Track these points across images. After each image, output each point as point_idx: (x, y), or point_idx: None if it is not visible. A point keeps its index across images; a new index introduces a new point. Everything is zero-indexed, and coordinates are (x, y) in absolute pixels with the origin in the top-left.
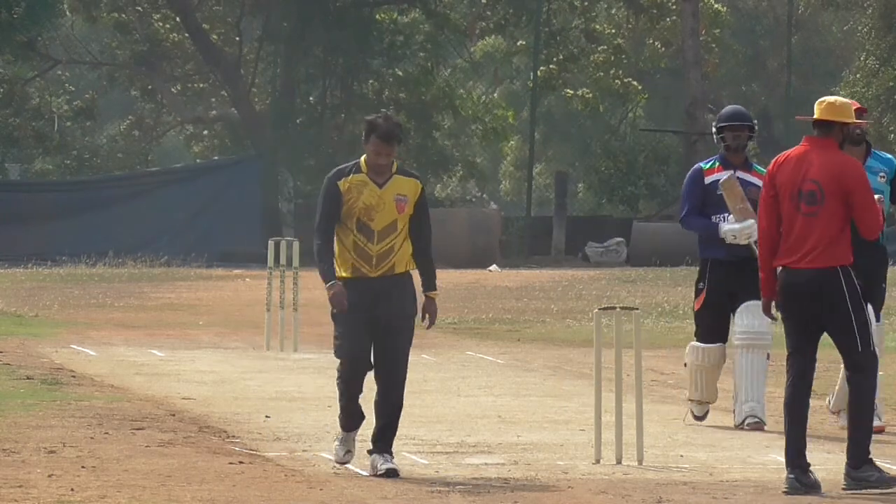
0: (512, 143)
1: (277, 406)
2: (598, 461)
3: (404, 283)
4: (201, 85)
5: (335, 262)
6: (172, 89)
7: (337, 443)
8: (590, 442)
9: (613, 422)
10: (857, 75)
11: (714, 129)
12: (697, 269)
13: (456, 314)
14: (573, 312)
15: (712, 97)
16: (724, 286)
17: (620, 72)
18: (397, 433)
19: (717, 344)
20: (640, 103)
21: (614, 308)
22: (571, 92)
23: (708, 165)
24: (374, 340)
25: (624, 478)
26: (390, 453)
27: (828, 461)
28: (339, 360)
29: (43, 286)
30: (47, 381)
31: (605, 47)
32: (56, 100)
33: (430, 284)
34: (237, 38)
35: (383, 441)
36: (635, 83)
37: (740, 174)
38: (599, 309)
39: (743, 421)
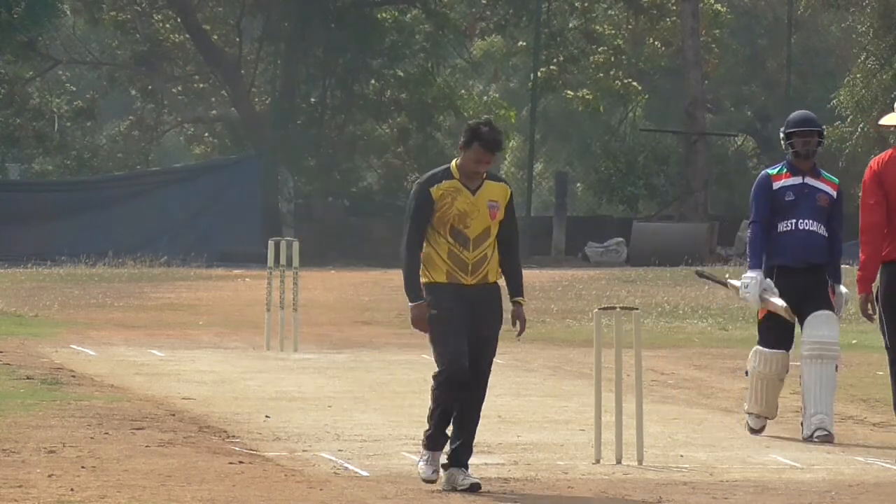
0: (512, 143)
1: (277, 406)
2: (598, 461)
3: (496, 293)
4: (201, 85)
5: (427, 267)
6: (173, 89)
7: (422, 463)
8: (590, 442)
9: (613, 422)
10: (857, 75)
11: (782, 135)
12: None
13: None
14: (573, 312)
15: (712, 97)
16: (791, 293)
17: (620, 72)
18: (397, 433)
19: (782, 351)
20: (640, 103)
21: (614, 308)
22: (572, 93)
23: (775, 171)
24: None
25: (624, 478)
26: (467, 467)
27: (827, 461)
28: (439, 370)
29: (43, 286)
30: (47, 381)
31: (605, 48)
32: (56, 100)
33: (519, 290)
34: (237, 39)
35: (465, 454)
36: (635, 83)
37: (809, 181)
38: (599, 309)
39: (812, 433)
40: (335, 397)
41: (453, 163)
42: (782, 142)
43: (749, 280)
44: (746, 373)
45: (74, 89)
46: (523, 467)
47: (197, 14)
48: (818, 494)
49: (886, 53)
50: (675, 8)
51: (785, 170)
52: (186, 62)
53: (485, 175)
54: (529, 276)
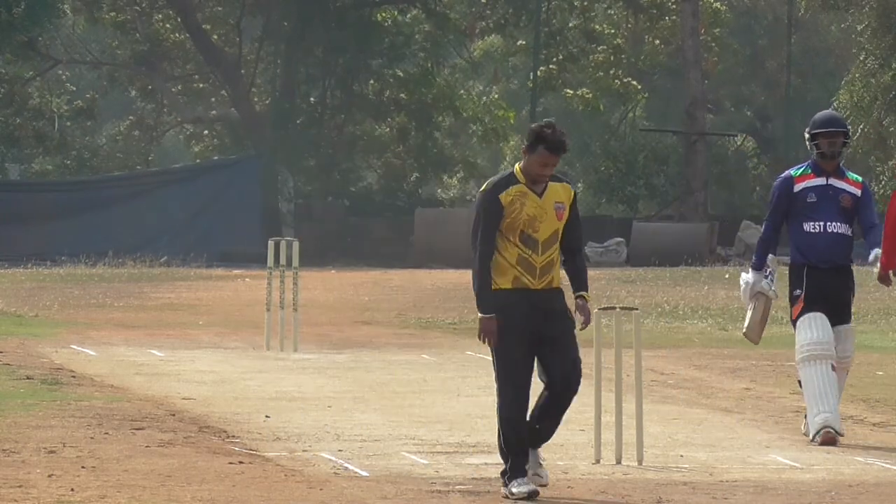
0: (512, 143)
1: (277, 406)
2: (598, 461)
3: (561, 295)
4: (201, 85)
5: (493, 273)
6: (172, 89)
7: (515, 488)
8: (590, 442)
9: (613, 422)
10: (856, 75)
11: (807, 136)
12: (788, 275)
13: (456, 314)
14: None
15: (712, 97)
16: (821, 291)
17: (620, 71)
18: (397, 433)
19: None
20: (640, 103)
21: (614, 308)
22: (571, 92)
23: (799, 172)
24: (540, 354)
25: (624, 478)
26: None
27: (827, 461)
28: (501, 407)
29: (43, 286)
30: (47, 381)
31: (605, 47)
32: (56, 100)
33: (583, 285)
34: (237, 39)
35: (541, 438)
36: (635, 83)
37: (833, 182)
38: (599, 309)
39: (817, 433)
40: (335, 397)
41: (516, 167)
42: (807, 142)
43: (742, 283)
44: (800, 382)
45: (74, 89)
46: None
47: (197, 14)
48: (818, 494)
49: (885, 53)
50: (674, 7)
51: (809, 170)
52: (186, 62)
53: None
54: None
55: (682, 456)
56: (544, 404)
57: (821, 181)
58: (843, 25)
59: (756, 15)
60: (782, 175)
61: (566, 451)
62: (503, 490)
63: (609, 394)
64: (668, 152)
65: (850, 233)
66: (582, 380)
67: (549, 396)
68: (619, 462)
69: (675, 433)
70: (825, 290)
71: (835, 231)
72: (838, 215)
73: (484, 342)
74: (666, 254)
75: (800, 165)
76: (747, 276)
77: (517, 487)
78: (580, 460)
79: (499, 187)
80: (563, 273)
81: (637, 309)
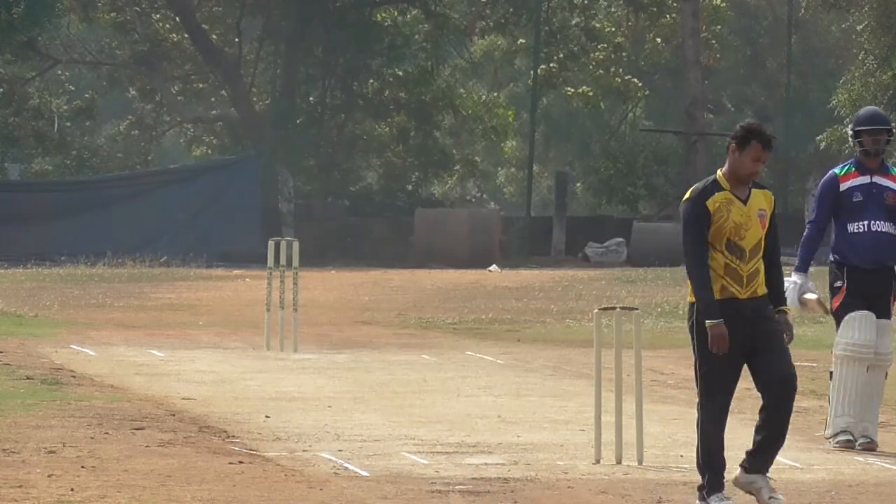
0: (513, 143)
1: (277, 406)
2: (598, 461)
3: (767, 303)
4: (201, 85)
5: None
6: (172, 89)
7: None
8: (590, 442)
9: (613, 422)
10: (856, 74)
11: (850, 133)
12: (829, 270)
13: (456, 314)
14: (573, 313)
15: (712, 97)
16: (863, 287)
17: (620, 69)
18: (397, 433)
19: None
20: (640, 103)
21: (614, 308)
22: (572, 90)
23: (843, 171)
24: (753, 363)
25: (624, 478)
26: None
27: (827, 461)
28: (703, 401)
29: (43, 286)
30: (47, 381)
31: (606, 45)
32: (56, 100)
33: (782, 299)
34: (237, 39)
35: (767, 457)
36: (635, 80)
37: (877, 179)
38: (599, 309)
39: (835, 435)
40: (335, 397)
41: (718, 173)
42: (850, 139)
43: (790, 284)
44: (831, 374)
45: (74, 89)
46: (523, 467)
47: (196, 14)
48: (818, 494)
49: (885, 53)
50: (674, 5)
51: (853, 169)
52: (186, 62)
53: (750, 183)
54: (529, 276)
55: (682, 456)
56: (764, 419)
57: (865, 179)
58: (843, 25)
59: (756, 15)
60: (827, 175)
61: (566, 451)
62: None
63: (609, 394)
64: (668, 152)
65: (894, 231)
66: (581, 380)
67: (767, 406)
68: (619, 462)
69: (675, 433)
70: (866, 289)
71: (879, 230)
72: (883, 213)
73: (715, 351)
74: (666, 254)
75: (844, 164)
76: (794, 278)
77: (716, 502)
78: (580, 460)
79: (705, 194)
80: None
81: (637, 309)
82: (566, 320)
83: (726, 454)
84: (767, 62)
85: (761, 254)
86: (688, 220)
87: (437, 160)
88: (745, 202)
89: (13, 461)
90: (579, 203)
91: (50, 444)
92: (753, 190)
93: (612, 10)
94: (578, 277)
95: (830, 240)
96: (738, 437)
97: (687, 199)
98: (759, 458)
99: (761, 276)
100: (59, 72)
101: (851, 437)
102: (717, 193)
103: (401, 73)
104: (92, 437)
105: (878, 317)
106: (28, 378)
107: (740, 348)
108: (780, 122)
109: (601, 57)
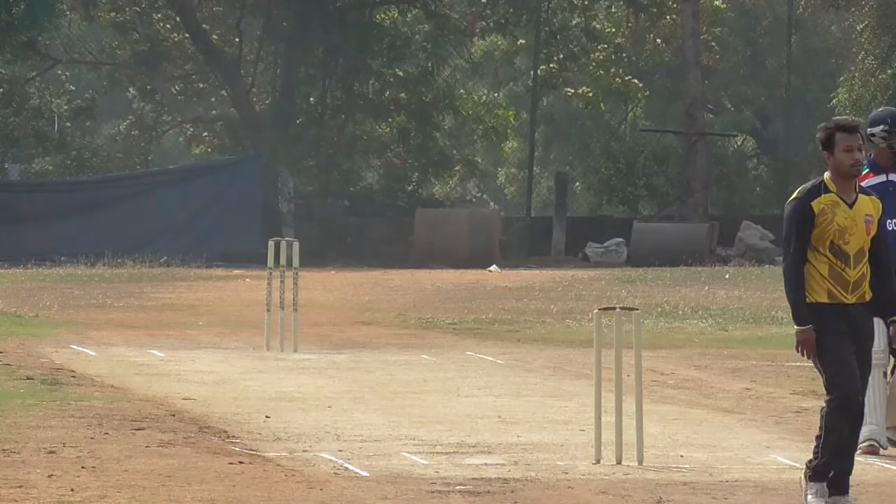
0: (513, 143)
1: (277, 406)
2: (598, 461)
3: (871, 314)
4: (201, 85)
5: (807, 286)
6: (172, 89)
7: (811, 496)
8: (590, 442)
9: (613, 422)
10: (856, 74)
11: (868, 132)
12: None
13: (456, 314)
14: (573, 313)
15: (712, 97)
16: None
17: (621, 70)
18: (397, 433)
19: None
20: (640, 103)
21: (614, 308)
22: (572, 91)
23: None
24: None
25: (624, 478)
26: (848, 491)
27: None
28: (831, 395)
29: (43, 286)
30: (47, 381)
31: (606, 46)
32: (56, 100)
33: (894, 308)
34: (237, 39)
35: (846, 478)
36: (636, 81)
37: (892, 177)
38: (599, 309)
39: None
40: (335, 397)
41: (825, 176)
42: (871, 138)
43: None
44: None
45: (74, 89)
46: (523, 467)
47: (196, 14)
48: None
49: (885, 53)
50: (675, 6)
51: (867, 169)
52: (186, 62)
53: (857, 189)
54: (529, 276)
55: (682, 456)
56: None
57: (881, 178)
58: (843, 25)
59: (756, 15)
60: None
61: (566, 451)
62: (802, 481)
63: (609, 394)
64: (668, 152)
65: None
66: (581, 380)
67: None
68: (619, 462)
69: (675, 433)
70: None
71: (894, 228)
72: None
73: (802, 355)
74: (666, 254)
75: None
76: None
77: (814, 499)
78: (580, 460)
79: (811, 195)
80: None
81: (637, 309)
82: (566, 320)
83: (725, 453)
84: (767, 62)
85: (867, 260)
86: (791, 219)
87: (438, 160)
88: (850, 206)
89: (13, 461)
90: (579, 203)
91: (50, 444)
92: (862, 196)
93: (613, 10)
94: (578, 277)
95: None
96: (738, 437)
97: (793, 199)
98: (841, 477)
99: (867, 283)
100: (60, 72)
101: (876, 443)
102: (823, 195)
103: (401, 74)
104: (92, 438)
105: None
106: (28, 378)
107: (853, 347)
108: (780, 122)
109: (601, 57)
